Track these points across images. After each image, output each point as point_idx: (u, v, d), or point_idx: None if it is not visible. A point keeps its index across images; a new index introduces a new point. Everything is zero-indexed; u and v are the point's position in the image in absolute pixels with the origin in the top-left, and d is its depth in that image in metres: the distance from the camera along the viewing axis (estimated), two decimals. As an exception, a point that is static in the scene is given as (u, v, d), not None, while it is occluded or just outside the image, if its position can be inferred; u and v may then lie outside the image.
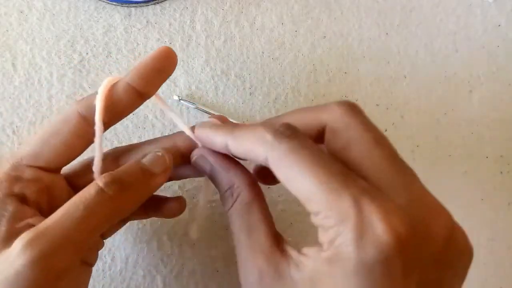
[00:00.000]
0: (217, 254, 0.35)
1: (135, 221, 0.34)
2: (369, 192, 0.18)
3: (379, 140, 0.21)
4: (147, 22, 0.37)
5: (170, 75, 0.25)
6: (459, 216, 0.38)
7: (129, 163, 0.24)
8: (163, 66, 0.24)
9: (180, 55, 0.37)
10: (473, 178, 0.38)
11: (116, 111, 0.24)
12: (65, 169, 0.26)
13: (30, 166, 0.23)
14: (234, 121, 0.36)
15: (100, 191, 0.21)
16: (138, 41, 0.37)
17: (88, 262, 0.25)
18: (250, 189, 0.23)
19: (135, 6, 0.37)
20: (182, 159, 0.26)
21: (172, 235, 0.34)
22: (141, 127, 0.36)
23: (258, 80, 0.37)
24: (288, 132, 0.20)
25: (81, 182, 0.25)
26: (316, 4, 0.39)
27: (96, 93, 0.23)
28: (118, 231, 0.34)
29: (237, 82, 0.37)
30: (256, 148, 0.20)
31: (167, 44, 0.37)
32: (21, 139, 0.35)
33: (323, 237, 0.18)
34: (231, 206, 0.23)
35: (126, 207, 0.23)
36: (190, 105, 0.36)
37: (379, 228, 0.16)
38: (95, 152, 0.24)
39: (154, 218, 0.34)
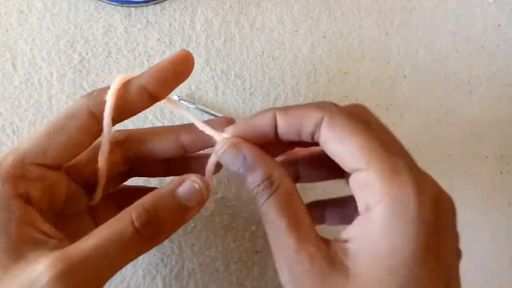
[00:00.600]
0: (217, 254, 0.35)
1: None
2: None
3: (365, 128, 0.22)
4: (147, 22, 0.37)
5: (186, 79, 0.25)
6: (459, 216, 0.38)
7: (161, 194, 0.22)
8: (179, 71, 0.24)
9: (180, 55, 0.37)
10: (473, 178, 0.38)
11: (125, 110, 0.24)
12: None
13: (34, 164, 0.22)
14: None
15: (136, 233, 0.20)
16: (138, 41, 0.37)
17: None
18: (289, 179, 0.23)
19: (135, 6, 0.37)
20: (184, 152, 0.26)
21: (172, 235, 0.34)
22: (140, 127, 0.36)
23: (258, 80, 0.37)
24: (336, 105, 0.23)
25: (85, 171, 0.25)
26: (316, 4, 0.39)
27: (107, 89, 0.23)
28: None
29: (237, 82, 0.37)
30: (309, 112, 0.22)
31: (167, 44, 0.37)
32: (21, 139, 0.35)
33: (371, 191, 0.20)
34: (270, 196, 0.22)
35: (158, 243, 0.22)
36: (190, 105, 0.36)
37: (431, 185, 0.21)
38: (101, 147, 0.24)
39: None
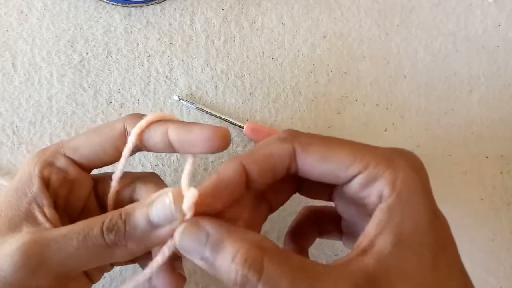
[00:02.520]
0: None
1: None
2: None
3: (336, 140, 0.23)
4: (147, 22, 0.37)
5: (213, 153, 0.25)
6: (459, 216, 0.39)
7: (138, 205, 0.22)
8: (207, 146, 0.23)
9: (180, 55, 0.37)
10: (473, 178, 0.38)
11: (146, 145, 0.25)
12: (94, 173, 0.26)
13: (66, 156, 0.24)
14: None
15: (100, 234, 0.21)
16: (138, 41, 0.37)
17: (90, 278, 0.25)
18: (269, 240, 0.20)
19: (135, 6, 0.37)
20: None
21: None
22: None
23: (258, 80, 0.37)
24: (296, 131, 0.24)
25: (101, 191, 0.26)
26: (316, 4, 0.39)
27: (145, 117, 0.24)
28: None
29: (237, 82, 0.37)
30: (277, 147, 0.23)
31: (167, 44, 0.37)
32: (21, 139, 0.35)
33: (380, 183, 0.21)
34: (260, 276, 0.19)
35: (120, 256, 0.22)
36: (190, 105, 0.36)
37: (413, 157, 0.24)
38: (117, 167, 0.25)
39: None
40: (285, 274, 0.18)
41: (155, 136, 0.24)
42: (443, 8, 0.40)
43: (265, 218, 0.26)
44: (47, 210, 0.23)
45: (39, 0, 0.37)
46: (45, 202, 0.23)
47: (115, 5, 0.37)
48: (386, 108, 0.38)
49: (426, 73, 0.39)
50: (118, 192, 0.25)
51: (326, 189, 0.26)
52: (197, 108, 0.36)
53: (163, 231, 0.21)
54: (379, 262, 0.19)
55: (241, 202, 0.23)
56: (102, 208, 0.26)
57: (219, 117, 0.36)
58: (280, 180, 0.24)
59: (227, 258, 0.19)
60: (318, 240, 0.36)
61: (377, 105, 0.38)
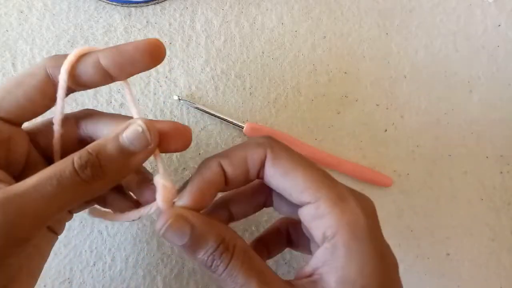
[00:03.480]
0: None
1: (135, 221, 0.34)
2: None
3: (306, 162, 0.24)
4: (147, 22, 0.37)
5: (150, 69, 0.24)
6: (459, 216, 0.39)
7: (106, 139, 0.22)
8: (143, 61, 0.22)
9: (180, 55, 0.37)
10: (473, 178, 0.38)
11: (80, 82, 0.23)
12: (27, 126, 0.25)
13: None
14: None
15: (74, 173, 0.20)
16: (138, 41, 0.37)
17: (54, 231, 0.25)
18: (240, 237, 0.23)
19: (135, 6, 0.37)
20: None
21: (172, 235, 0.34)
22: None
23: (258, 80, 0.37)
24: (275, 140, 0.25)
25: (41, 139, 0.24)
26: (316, 4, 0.39)
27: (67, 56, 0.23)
28: (118, 231, 0.34)
29: (237, 82, 0.37)
30: (252, 152, 0.24)
31: (167, 45, 0.37)
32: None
33: (326, 221, 0.22)
34: (231, 260, 0.22)
35: (99, 189, 0.22)
36: (190, 105, 0.36)
37: (367, 202, 0.24)
38: (55, 111, 0.24)
39: (154, 218, 0.34)
40: (245, 270, 0.21)
41: (87, 68, 0.22)
42: (443, 8, 0.40)
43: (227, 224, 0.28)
44: None
45: (39, 0, 0.37)
46: None
47: (115, 5, 0.37)
48: (386, 108, 0.38)
49: (426, 73, 0.39)
50: (62, 136, 0.24)
51: (294, 207, 0.27)
52: (197, 108, 0.36)
53: (138, 156, 0.22)
54: None
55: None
56: (47, 159, 0.25)
57: (219, 117, 0.36)
58: (249, 192, 0.27)
59: (206, 252, 0.22)
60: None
61: (377, 105, 0.38)
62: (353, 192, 0.24)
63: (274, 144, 0.24)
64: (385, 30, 0.39)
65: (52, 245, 0.25)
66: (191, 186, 0.23)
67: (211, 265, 0.22)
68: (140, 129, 0.22)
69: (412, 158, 0.38)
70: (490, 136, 0.39)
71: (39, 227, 0.20)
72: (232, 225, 0.35)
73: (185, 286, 0.34)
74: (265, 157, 0.23)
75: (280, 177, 0.23)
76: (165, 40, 0.37)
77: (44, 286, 0.33)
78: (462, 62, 0.40)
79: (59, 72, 0.22)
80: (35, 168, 0.24)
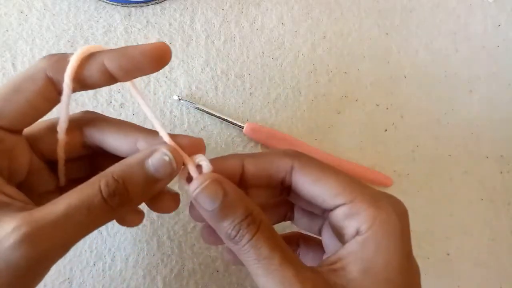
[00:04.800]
0: (217, 254, 0.35)
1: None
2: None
3: (336, 170, 0.25)
4: (147, 22, 0.37)
5: (155, 72, 0.23)
6: (459, 216, 0.39)
7: (131, 164, 0.22)
8: (150, 65, 0.22)
9: (180, 55, 0.37)
10: (473, 178, 0.38)
11: (84, 82, 0.23)
12: (26, 130, 0.24)
13: None
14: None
15: (103, 202, 0.20)
16: (138, 41, 0.37)
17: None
18: (265, 215, 0.23)
19: (135, 6, 0.37)
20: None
21: (172, 235, 0.34)
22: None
23: (258, 80, 0.37)
24: (300, 152, 0.25)
25: (44, 145, 0.24)
26: (316, 4, 0.39)
27: (68, 56, 0.22)
28: (118, 231, 0.34)
29: (237, 82, 0.37)
30: (279, 161, 0.24)
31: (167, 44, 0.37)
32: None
33: (361, 218, 0.22)
34: (257, 231, 0.22)
35: (124, 213, 0.22)
36: (190, 105, 0.36)
37: (399, 203, 0.24)
38: (60, 114, 0.23)
39: (154, 218, 0.34)
40: (270, 244, 0.22)
41: (92, 72, 0.22)
42: (443, 8, 0.40)
43: None
44: (5, 188, 0.21)
45: (39, 0, 0.37)
46: None
47: (115, 5, 0.37)
48: (386, 108, 0.38)
49: (426, 73, 0.39)
50: (66, 143, 0.24)
51: (314, 221, 0.28)
52: (197, 108, 0.36)
53: (163, 182, 0.23)
54: (346, 286, 0.21)
55: None
56: (49, 163, 0.25)
57: (219, 117, 0.36)
58: (271, 205, 0.27)
59: (234, 219, 0.22)
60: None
61: (377, 105, 0.38)
62: (386, 194, 0.24)
63: (301, 154, 0.25)
64: (385, 30, 0.39)
65: None
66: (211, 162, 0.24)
67: (235, 235, 0.22)
68: (167, 158, 0.22)
69: (412, 158, 0.38)
70: (490, 136, 0.39)
71: (65, 253, 0.21)
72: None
73: (185, 286, 0.34)
74: (291, 167, 0.24)
75: (311, 184, 0.24)
76: (165, 40, 0.37)
77: (44, 286, 0.33)
78: (462, 62, 0.40)
79: (60, 75, 0.22)
80: (38, 174, 0.24)
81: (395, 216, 0.23)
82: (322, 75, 0.38)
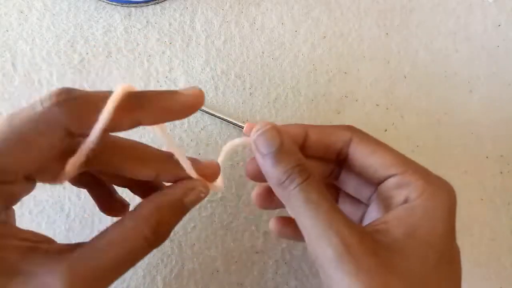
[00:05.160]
0: (217, 254, 0.35)
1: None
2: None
3: (385, 144, 0.27)
4: (147, 22, 0.37)
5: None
6: (459, 216, 0.38)
7: (173, 205, 0.23)
8: (185, 115, 0.22)
9: (180, 55, 0.37)
10: (473, 178, 0.38)
11: (111, 131, 0.20)
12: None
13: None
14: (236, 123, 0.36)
15: (148, 247, 0.21)
16: (138, 41, 0.37)
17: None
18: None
19: (135, 6, 0.37)
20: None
21: (172, 235, 0.34)
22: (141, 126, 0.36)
23: (258, 80, 0.37)
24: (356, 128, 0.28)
25: (46, 176, 0.22)
26: (316, 4, 0.39)
27: (89, 105, 0.19)
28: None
29: (237, 82, 0.37)
30: (339, 132, 0.26)
31: (167, 44, 0.37)
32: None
33: (411, 188, 0.24)
34: (306, 179, 0.23)
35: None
36: (190, 105, 0.36)
37: (445, 181, 0.26)
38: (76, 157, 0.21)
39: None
40: (317, 188, 0.23)
41: (122, 126, 0.20)
42: (443, 8, 0.40)
43: None
44: (22, 233, 0.20)
45: (39, 0, 0.37)
46: (11, 228, 0.20)
47: (115, 5, 0.37)
48: (386, 108, 0.38)
49: (426, 73, 0.39)
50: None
51: (358, 209, 0.29)
52: (197, 108, 0.36)
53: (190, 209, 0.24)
54: (389, 244, 0.22)
55: None
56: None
57: (219, 117, 0.36)
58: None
59: (288, 164, 0.23)
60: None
61: (377, 105, 0.38)
62: (436, 175, 0.26)
63: (358, 130, 0.27)
64: (385, 30, 0.39)
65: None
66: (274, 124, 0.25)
67: (286, 178, 0.23)
68: (203, 195, 0.24)
69: (412, 158, 0.38)
70: (490, 136, 0.39)
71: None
72: (232, 224, 0.35)
73: (185, 286, 0.34)
74: (350, 139, 0.26)
75: (368, 155, 0.25)
76: (165, 40, 0.37)
77: (44, 286, 0.33)
78: (462, 62, 0.40)
79: (86, 130, 0.19)
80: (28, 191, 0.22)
81: (445, 191, 0.24)
82: (322, 75, 0.38)
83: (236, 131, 0.37)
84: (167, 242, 0.34)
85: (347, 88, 0.38)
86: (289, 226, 0.29)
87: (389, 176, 0.25)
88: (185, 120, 0.36)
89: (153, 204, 0.22)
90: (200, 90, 0.22)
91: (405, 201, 0.24)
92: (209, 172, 0.25)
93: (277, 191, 0.24)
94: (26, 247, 0.19)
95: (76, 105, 0.19)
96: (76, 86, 0.36)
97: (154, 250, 0.34)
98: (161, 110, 0.21)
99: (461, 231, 0.38)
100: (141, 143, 0.24)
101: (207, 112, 0.36)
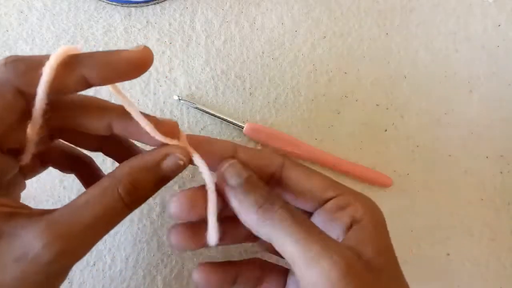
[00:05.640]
0: (217, 254, 0.35)
1: (135, 221, 0.34)
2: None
3: (311, 171, 0.27)
4: (147, 22, 0.37)
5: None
6: (459, 216, 0.39)
7: (148, 167, 0.23)
8: (133, 72, 0.21)
9: (180, 55, 0.37)
10: (473, 178, 0.38)
11: (59, 92, 0.21)
12: None
13: None
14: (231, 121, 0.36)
15: (126, 208, 0.22)
16: (138, 41, 0.37)
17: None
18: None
19: (135, 6, 0.37)
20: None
21: (172, 235, 0.34)
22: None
23: (258, 80, 0.37)
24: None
25: (10, 142, 0.22)
26: (316, 4, 0.39)
27: (37, 63, 0.20)
28: (118, 231, 0.34)
29: (237, 82, 0.37)
30: (271, 155, 0.26)
31: (167, 44, 0.37)
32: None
33: (353, 208, 0.25)
34: (282, 204, 0.23)
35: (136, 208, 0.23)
36: (190, 105, 0.36)
37: (378, 209, 0.26)
38: (32, 123, 0.22)
39: (154, 218, 0.34)
40: (292, 216, 0.23)
41: (68, 82, 0.20)
42: (443, 8, 0.40)
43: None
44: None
45: (39, 0, 0.37)
46: None
47: (115, 5, 0.37)
48: (386, 108, 0.38)
49: (426, 73, 0.39)
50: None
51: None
52: (197, 108, 0.36)
53: (170, 178, 0.24)
54: (370, 261, 0.22)
55: None
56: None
57: (219, 117, 0.36)
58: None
59: (264, 193, 0.24)
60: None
61: (377, 105, 0.38)
62: (360, 193, 0.27)
63: (288, 157, 0.27)
64: (385, 30, 0.39)
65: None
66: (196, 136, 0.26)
67: (265, 202, 0.23)
68: (181, 162, 0.23)
69: (412, 158, 0.38)
70: (490, 136, 0.39)
71: (83, 255, 0.22)
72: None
73: (185, 286, 0.34)
74: (283, 163, 0.26)
75: (303, 179, 0.26)
76: (165, 40, 0.37)
77: (44, 286, 0.33)
78: (462, 62, 0.40)
79: (32, 88, 0.20)
80: (7, 170, 0.23)
81: (377, 209, 0.26)
82: (322, 75, 0.38)
83: (236, 131, 0.37)
84: (166, 242, 0.34)
85: (347, 88, 0.38)
86: (218, 271, 0.27)
87: (328, 199, 0.25)
88: (185, 120, 0.36)
89: (128, 164, 0.23)
90: (145, 47, 0.21)
91: (353, 220, 0.24)
92: (165, 129, 0.23)
93: (253, 218, 0.23)
94: (7, 212, 0.20)
95: (21, 64, 0.20)
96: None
97: (154, 250, 0.34)
98: (105, 67, 0.21)
99: (461, 231, 0.38)
100: (97, 98, 0.24)
101: (207, 112, 0.36)
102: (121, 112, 0.23)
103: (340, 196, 0.25)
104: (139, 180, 0.22)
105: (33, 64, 0.20)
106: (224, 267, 0.28)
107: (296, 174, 0.26)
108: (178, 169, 0.23)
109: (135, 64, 0.21)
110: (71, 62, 0.20)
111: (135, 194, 0.22)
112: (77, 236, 0.20)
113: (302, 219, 0.23)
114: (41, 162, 0.28)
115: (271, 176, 0.26)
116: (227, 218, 0.26)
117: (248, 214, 0.23)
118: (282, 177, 0.26)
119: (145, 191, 0.23)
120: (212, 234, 0.24)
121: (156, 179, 0.23)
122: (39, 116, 0.21)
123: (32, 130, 0.22)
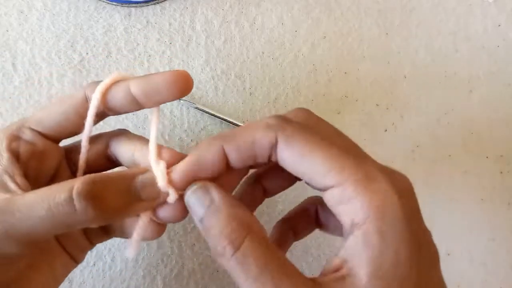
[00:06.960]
0: (217, 254, 0.35)
1: (135, 221, 0.34)
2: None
3: (326, 141, 0.21)
4: (147, 22, 0.37)
5: (178, 99, 0.25)
6: (459, 216, 0.39)
7: (121, 174, 0.21)
8: (170, 91, 0.23)
9: (180, 55, 0.37)
10: (473, 178, 0.38)
11: (110, 106, 0.24)
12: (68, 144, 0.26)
13: (31, 129, 0.24)
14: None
15: (69, 201, 0.19)
16: (138, 41, 0.37)
17: (74, 258, 0.26)
18: (258, 222, 0.21)
19: (135, 6, 0.37)
20: None
21: (172, 235, 0.34)
22: (141, 127, 0.36)
23: (258, 80, 0.37)
24: (286, 119, 0.22)
25: (76, 157, 0.26)
26: (316, 4, 0.39)
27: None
28: (118, 231, 0.34)
29: (237, 82, 0.37)
30: (260, 136, 0.21)
31: (167, 44, 0.37)
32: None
33: (354, 206, 0.19)
34: (240, 243, 0.19)
35: (94, 222, 0.20)
36: (190, 105, 0.36)
37: (400, 180, 0.22)
38: (85, 127, 0.24)
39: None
40: (260, 259, 0.19)
41: (118, 93, 0.24)
42: (443, 8, 0.40)
43: (261, 201, 0.27)
44: (18, 179, 0.22)
45: (39, 0, 0.37)
46: (16, 172, 0.23)
47: (115, 5, 0.37)
48: (386, 108, 0.38)
49: (426, 73, 0.39)
50: (91, 154, 0.25)
51: None
52: (197, 108, 0.36)
53: (143, 204, 0.22)
54: None
55: (228, 177, 0.23)
56: (75, 174, 0.26)
57: (219, 117, 0.36)
58: (277, 167, 0.23)
59: (217, 229, 0.20)
60: (317, 240, 0.36)
61: (377, 105, 0.38)
62: (384, 169, 0.21)
63: (286, 125, 0.21)
64: (385, 30, 0.39)
65: (69, 271, 0.26)
66: (183, 166, 0.22)
67: (226, 239, 0.19)
68: (158, 186, 0.22)
69: (412, 158, 0.38)
70: (490, 136, 0.39)
71: (26, 247, 0.21)
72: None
73: (185, 286, 0.34)
74: (276, 140, 0.21)
75: (297, 161, 0.21)
76: (165, 40, 0.37)
77: (44, 286, 0.33)
78: (462, 62, 0.40)
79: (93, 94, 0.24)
80: (60, 181, 0.24)
81: (394, 195, 0.19)
82: (322, 75, 0.38)
83: (236, 131, 0.37)
84: (167, 242, 0.34)
85: (347, 88, 0.38)
86: None
87: (328, 187, 0.20)
88: (185, 120, 0.36)
89: (101, 173, 0.22)
90: (185, 71, 0.23)
91: (352, 224, 0.20)
92: (165, 156, 0.23)
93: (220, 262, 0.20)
94: (10, 187, 0.22)
95: (94, 81, 0.25)
96: (76, 86, 0.36)
97: (154, 250, 0.34)
98: (147, 83, 0.23)
99: (461, 231, 0.38)
100: (143, 136, 0.26)
101: (207, 112, 0.36)
102: (144, 144, 0.25)
103: (342, 186, 0.20)
104: (104, 183, 0.20)
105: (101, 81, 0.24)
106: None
107: (290, 154, 0.21)
108: (151, 190, 0.21)
109: (171, 83, 0.23)
110: (121, 82, 0.24)
111: (91, 197, 0.20)
112: (14, 211, 0.20)
113: (255, 275, 0.18)
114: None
115: (269, 159, 0.22)
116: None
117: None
118: (278, 158, 0.21)
119: (108, 200, 0.20)
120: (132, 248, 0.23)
121: (124, 190, 0.21)
122: (92, 117, 0.24)
123: (83, 140, 0.25)
